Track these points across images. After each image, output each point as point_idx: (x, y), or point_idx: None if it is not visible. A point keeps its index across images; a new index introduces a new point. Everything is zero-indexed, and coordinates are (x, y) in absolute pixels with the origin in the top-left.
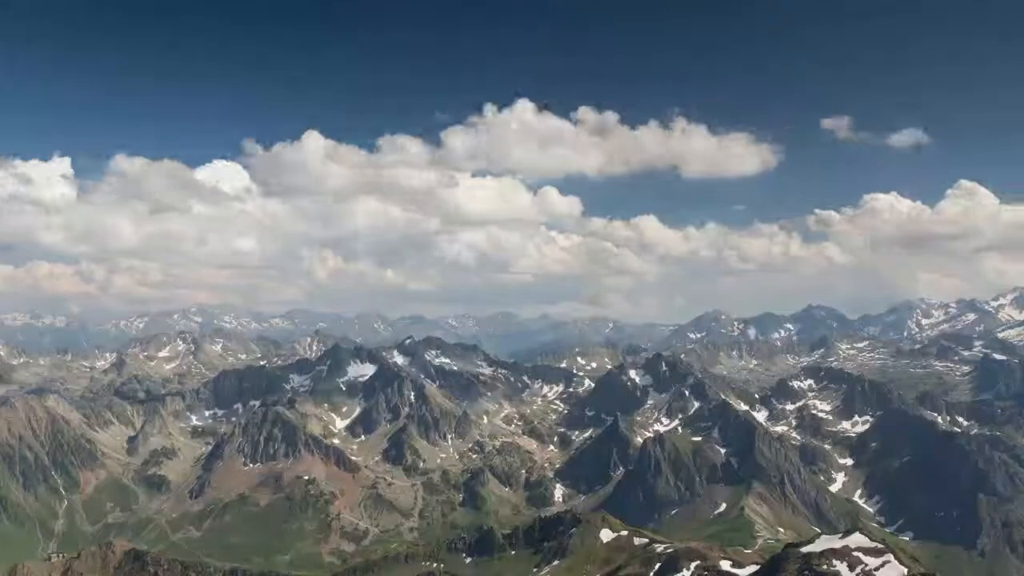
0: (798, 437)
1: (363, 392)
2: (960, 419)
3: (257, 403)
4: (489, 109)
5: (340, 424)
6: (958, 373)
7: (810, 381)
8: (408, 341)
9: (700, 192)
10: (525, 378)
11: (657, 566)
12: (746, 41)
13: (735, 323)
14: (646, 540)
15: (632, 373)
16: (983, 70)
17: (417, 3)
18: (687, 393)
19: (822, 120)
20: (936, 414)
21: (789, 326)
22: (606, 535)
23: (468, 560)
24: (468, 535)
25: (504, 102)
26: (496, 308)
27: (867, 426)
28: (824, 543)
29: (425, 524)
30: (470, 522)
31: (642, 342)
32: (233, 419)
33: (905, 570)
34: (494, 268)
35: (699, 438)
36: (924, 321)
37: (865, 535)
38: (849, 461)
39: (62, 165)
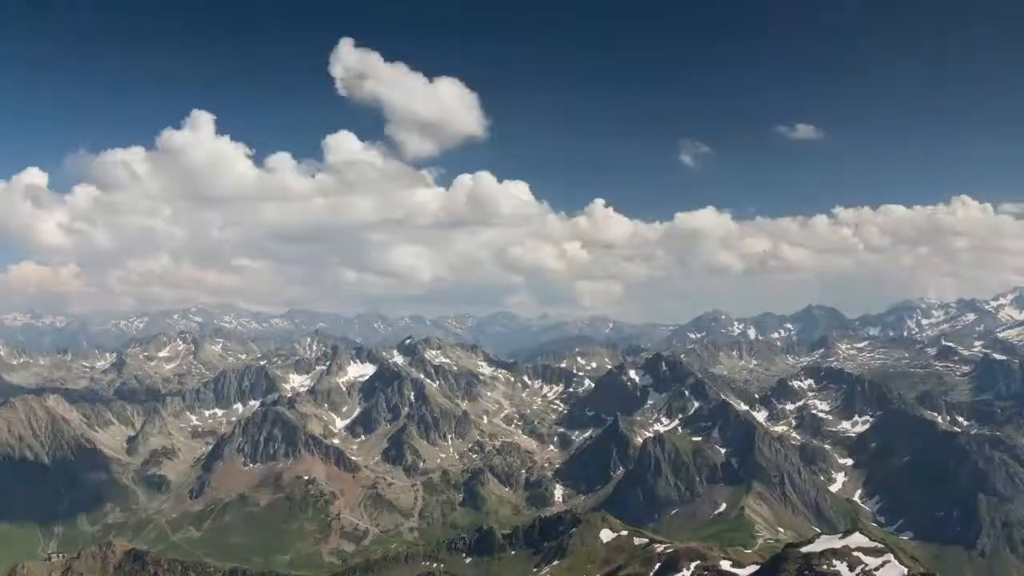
0: (798, 437)
1: (363, 392)
2: (960, 419)
3: (257, 403)
4: None
5: (340, 424)
6: (958, 373)
7: (810, 381)
8: (408, 341)
9: None
10: (525, 378)
11: (657, 566)
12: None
13: (735, 323)
14: (646, 540)
15: (632, 373)
16: None
17: None
18: (687, 393)
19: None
20: (936, 414)
21: (789, 326)
22: (606, 535)
23: (468, 560)
24: (468, 535)
25: None
26: (496, 308)
27: (867, 426)
28: (824, 543)
29: (425, 524)
30: (470, 522)
31: (642, 342)
32: (233, 419)
33: (905, 570)
34: None
35: (699, 438)
36: (924, 321)
37: (865, 535)
38: (849, 461)
39: None
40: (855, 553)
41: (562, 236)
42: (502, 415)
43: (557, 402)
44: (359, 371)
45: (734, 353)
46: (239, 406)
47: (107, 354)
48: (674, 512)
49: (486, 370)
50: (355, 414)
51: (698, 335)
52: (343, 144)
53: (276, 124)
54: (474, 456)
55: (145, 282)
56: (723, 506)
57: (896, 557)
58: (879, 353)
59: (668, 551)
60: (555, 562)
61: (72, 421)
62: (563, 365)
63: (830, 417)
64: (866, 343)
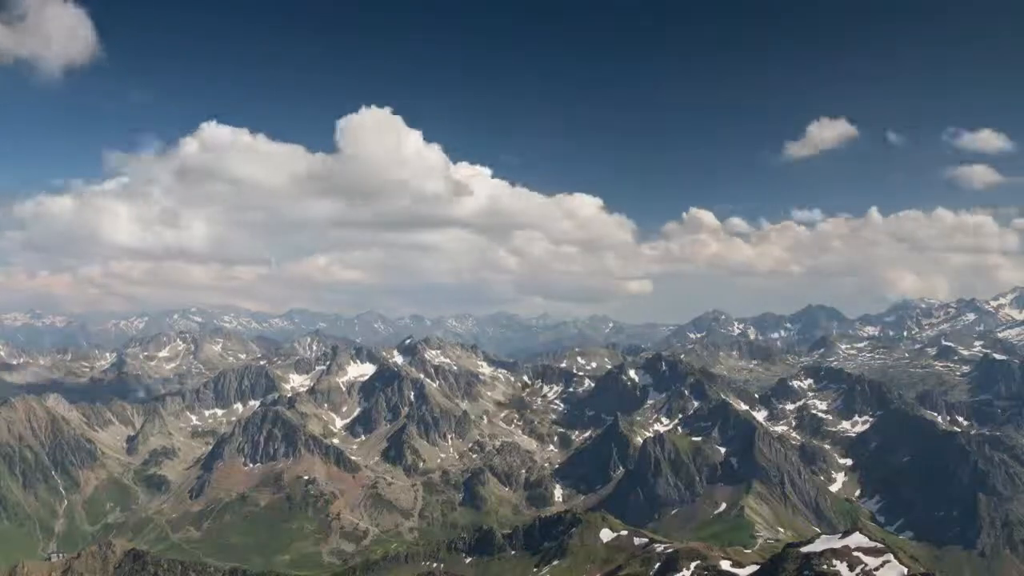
0: (798, 437)
1: (363, 392)
2: (960, 419)
3: (257, 403)
4: None
5: (340, 424)
6: (958, 373)
7: (810, 381)
8: (408, 341)
9: None
10: (525, 378)
11: (657, 566)
12: None
13: (735, 323)
14: (646, 540)
15: (632, 373)
16: None
17: None
18: (687, 393)
19: None
20: (936, 414)
21: (789, 326)
22: (606, 535)
23: (468, 560)
24: (468, 535)
25: None
26: (496, 308)
27: (867, 426)
28: (824, 543)
29: (425, 524)
30: (470, 522)
31: (642, 342)
32: (233, 419)
33: (905, 570)
34: None
35: (699, 438)
36: (924, 321)
37: (865, 535)
38: (849, 461)
39: None
40: (855, 553)
41: None
42: (502, 415)
43: (557, 402)
44: (359, 371)
45: (734, 353)
46: (239, 406)
47: (107, 354)
48: (674, 512)
49: (486, 370)
50: (355, 414)
51: (698, 335)
52: None
53: None
54: (474, 456)
55: None
56: (723, 506)
57: (896, 557)
58: (879, 353)
59: (668, 551)
60: (555, 562)
61: (72, 421)
62: (563, 365)
63: (830, 417)
64: (866, 343)
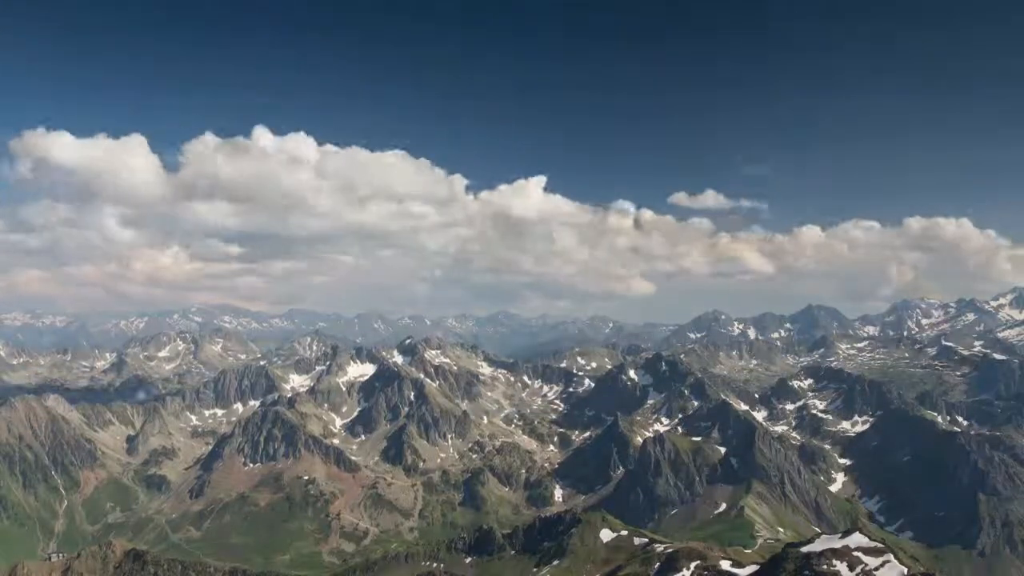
0: (798, 437)
1: (363, 392)
2: (960, 419)
3: (257, 403)
4: None
5: (340, 424)
6: (958, 373)
7: (810, 381)
8: (408, 341)
9: None
10: (525, 378)
11: (657, 566)
12: None
13: (735, 323)
14: (646, 540)
15: (632, 373)
16: None
17: None
18: (687, 393)
19: None
20: (936, 414)
21: (789, 326)
22: (606, 535)
23: (468, 560)
24: (468, 535)
25: None
26: (496, 308)
27: (867, 426)
28: (824, 543)
29: (425, 524)
30: (470, 522)
31: (642, 342)
32: (233, 419)
33: (905, 570)
34: None
35: (699, 438)
36: (924, 321)
37: (865, 535)
38: (849, 461)
39: None
40: (855, 553)
41: None
42: (502, 415)
43: (557, 402)
44: (359, 371)
45: (734, 353)
46: (239, 406)
47: (107, 354)
48: (674, 512)
49: (486, 370)
50: (355, 414)
51: (698, 335)
52: None
53: None
54: (474, 456)
55: None
56: (723, 506)
57: (896, 557)
58: (879, 353)
59: (668, 551)
60: (555, 562)
61: (72, 421)
62: (563, 365)
63: (830, 417)
64: (866, 343)
